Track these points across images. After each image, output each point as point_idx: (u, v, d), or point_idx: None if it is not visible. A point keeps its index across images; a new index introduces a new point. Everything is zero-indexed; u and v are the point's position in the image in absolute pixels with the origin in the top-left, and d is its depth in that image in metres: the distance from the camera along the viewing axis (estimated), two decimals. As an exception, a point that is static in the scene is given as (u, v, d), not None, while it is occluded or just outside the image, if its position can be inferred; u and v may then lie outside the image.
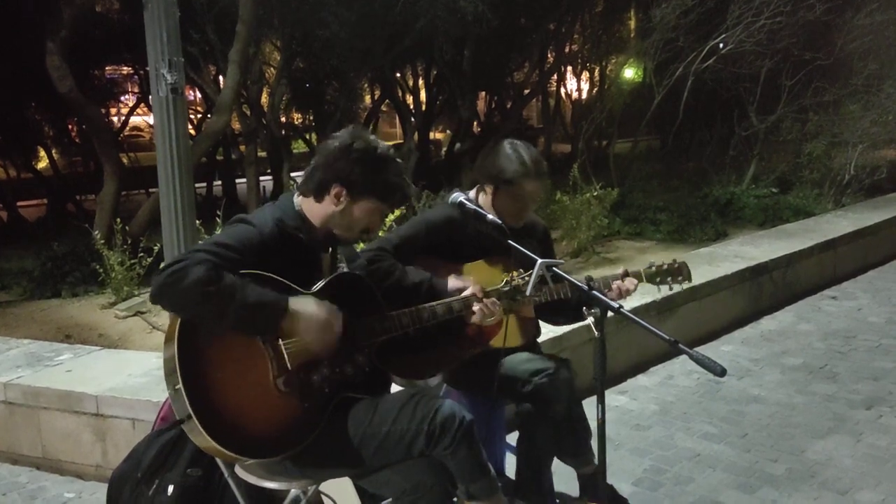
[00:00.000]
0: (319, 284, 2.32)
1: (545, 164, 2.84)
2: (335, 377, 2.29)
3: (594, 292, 2.20)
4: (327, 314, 2.22)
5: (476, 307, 2.52)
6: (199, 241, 2.94)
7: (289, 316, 2.16)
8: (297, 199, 2.40)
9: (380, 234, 3.10)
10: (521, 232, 2.83)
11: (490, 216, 2.59)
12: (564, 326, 4.26)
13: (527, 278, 2.53)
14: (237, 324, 2.11)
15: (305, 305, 2.19)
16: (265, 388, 2.17)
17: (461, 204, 2.69)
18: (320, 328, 2.20)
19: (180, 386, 2.07)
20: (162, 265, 2.16)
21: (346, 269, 2.52)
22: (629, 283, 2.82)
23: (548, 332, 4.18)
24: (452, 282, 2.61)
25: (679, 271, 2.94)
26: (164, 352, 2.16)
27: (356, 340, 2.35)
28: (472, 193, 2.88)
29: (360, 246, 3.06)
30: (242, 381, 2.15)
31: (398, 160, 2.41)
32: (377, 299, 2.45)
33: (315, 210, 2.37)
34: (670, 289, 2.94)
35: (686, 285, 2.99)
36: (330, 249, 2.48)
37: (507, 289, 2.57)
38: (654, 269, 2.92)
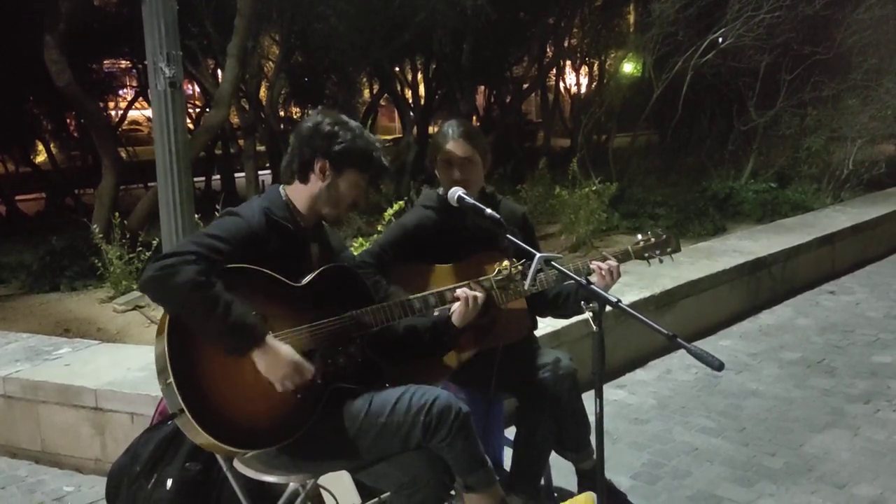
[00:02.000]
0: (309, 277, 2.33)
1: (471, 129, 2.85)
2: (328, 368, 2.30)
3: (592, 286, 2.20)
4: (297, 364, 2.18)
5: (459, 292, 2.49)
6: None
7: (262, 349, 2.14)
8: (282, 189, 2.43)
9: (366, 244, 3.10)
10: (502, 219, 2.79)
11: (488, 210, 2.58)
12: (563, 321, 4.29)
13: (520, 267, 2.52)
14: (212, 335, 2.11)
15: (281, 347, 2.17)
16: (257, 380, 2.18)
17: (460, 198, 2.69)
18: (285, 373, 2.16)
19: (171, 380, 2.07)
20: (155, 257, 2.18)
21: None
22: (609, 263, 2.79)
23: (546, 326, 4.19)
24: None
25: (667, 242, 2.91)
26: (155, 347, 2.17)
27: (348, 332, 2.36)
28: (441, 189, 2.88)
29: (356, 251, 3.07)
30: (234, 374, 2.16)
31: (369, 132, 2.45)
32: (367, 291, 2.46)
33: (302, 193, 2.40)
34: (660, 261, 2.92)
35: (676, 255, 2.97)
36: (319, 240, 2.50)
37: (499, 278, 2.57)
38: (641, 243, 2.89)
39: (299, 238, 2.39)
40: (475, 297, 2.49)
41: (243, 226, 2.26)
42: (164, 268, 2.08)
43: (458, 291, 2.49)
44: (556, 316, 3.13)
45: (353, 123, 2.42)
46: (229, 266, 2.18)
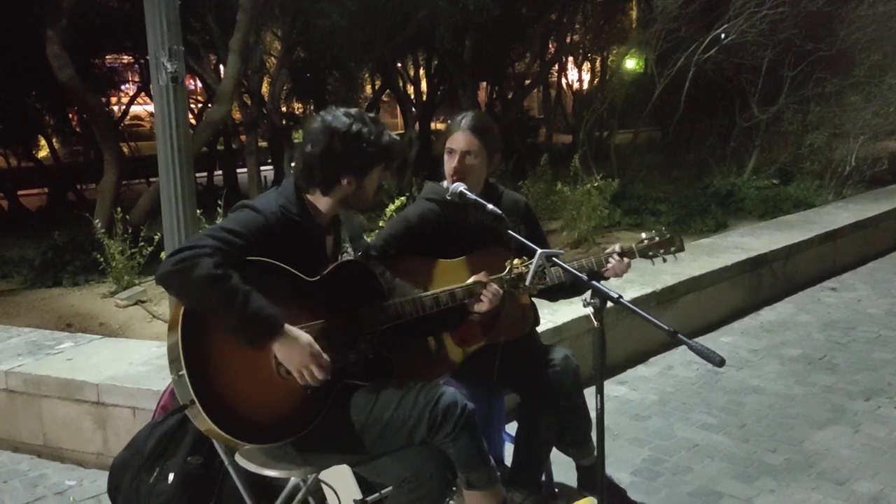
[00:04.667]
0: (323, 273, 2.32)
1: (482, 124, 2.83)
2: (337, 364, 2.30)
3: (593, 282, 2.19)
4: (316, 352, 2.19)
5: (484, 295, 2.51)
6: (202, 228, 2.94)
7: (281, 337, 2.15)
8: (299, 191, 2.40)
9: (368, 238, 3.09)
10: (505, 210, 2.74)
11: (490, 206, 2.58)
12: (564, 317, 4.31)
13: (530, 265, 2.52)
14: (231, 327, 2.12)
15: (300, 335, 2.18)
16: (268, 375, 2.19)
17: (462, 194, 2.68)
18: (304, 361, 2.18)
19: (184, 372, 2.08)
20: (171, 251, 2.17)
21: (349, 248, 2.52)
22: (626, 261, 2.81)
23: (547, 321, 4.20)
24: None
25: (671, 242, 2.88)
26: (167, 338, 2.17)
27: (359, 328, 2.36)
28: (445, 182, 2.87)
29: (369, 238, 3.07)
30: (245, 368, 2.17)
31: (376, 118, 2.40)
32: (380, 287, 2.46)
33: (324, 200, 2.39)
34: (664, 260, 2.90)
35: (680, 255, 2.94)
36: (334, 232, 2.50)
37: (510, 277, 2.57)
38: (645, 242, 2.87)
39: (314, 234, 2.39)
40: (497, 293, 2.53)
41: (260, 220, 2.25)
42: (181, 261, 2.07)
43: (485, 291, 2.51)
44: (558, 299, 3.13)
45: (357, 117, 2.34)
46: (244, 259, 2.17)
